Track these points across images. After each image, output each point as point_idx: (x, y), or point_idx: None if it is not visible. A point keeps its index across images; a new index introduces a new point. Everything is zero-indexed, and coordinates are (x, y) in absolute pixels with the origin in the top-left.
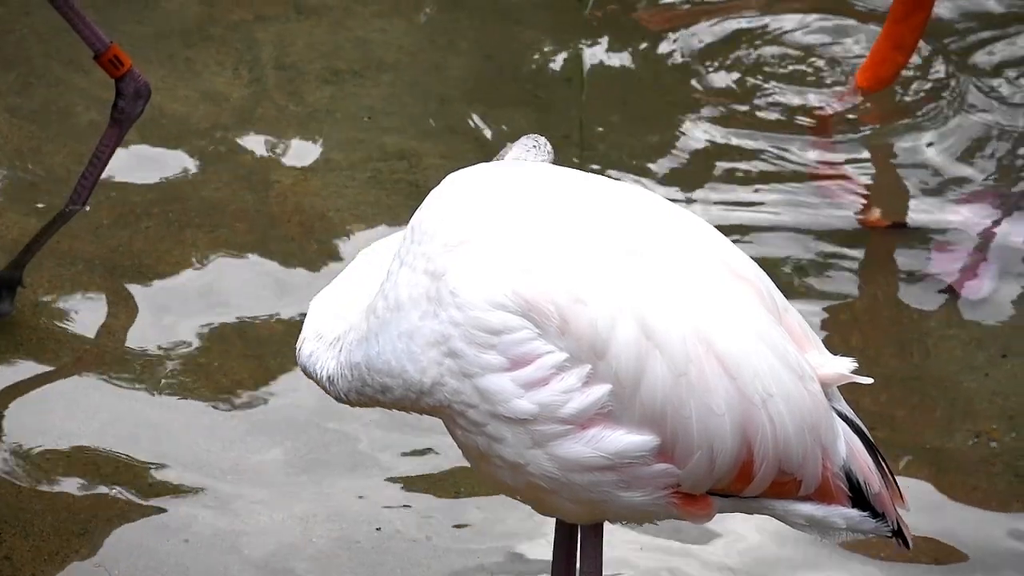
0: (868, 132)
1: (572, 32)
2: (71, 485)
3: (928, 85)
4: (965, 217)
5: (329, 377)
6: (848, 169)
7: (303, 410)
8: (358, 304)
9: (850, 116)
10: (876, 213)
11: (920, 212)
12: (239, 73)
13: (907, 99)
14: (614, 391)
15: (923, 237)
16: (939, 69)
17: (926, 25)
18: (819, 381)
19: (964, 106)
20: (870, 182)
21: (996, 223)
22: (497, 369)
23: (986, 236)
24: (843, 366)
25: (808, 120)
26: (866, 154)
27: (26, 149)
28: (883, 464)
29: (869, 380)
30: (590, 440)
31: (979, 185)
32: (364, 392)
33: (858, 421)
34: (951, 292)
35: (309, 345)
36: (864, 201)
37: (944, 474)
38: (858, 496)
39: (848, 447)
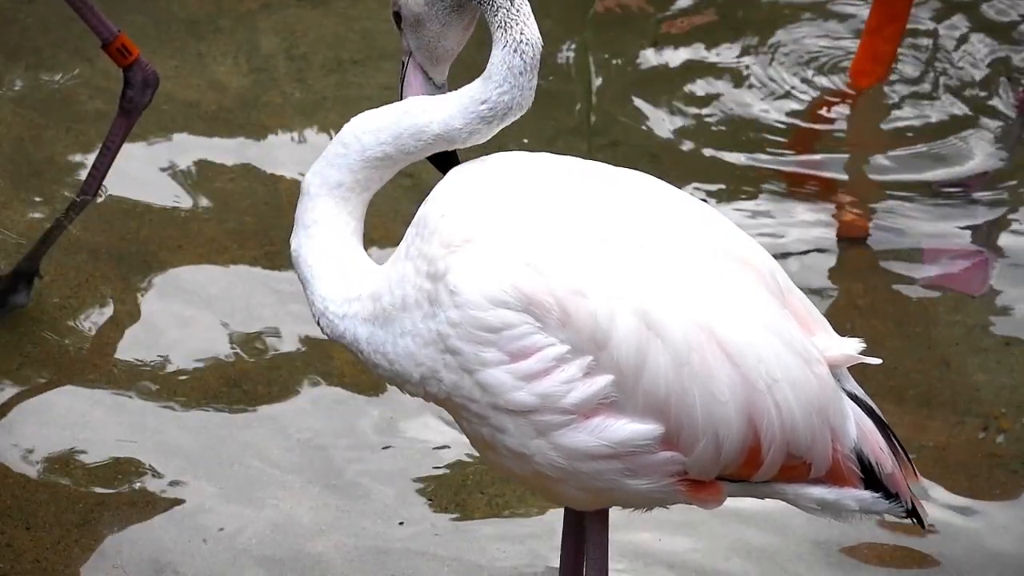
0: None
1: (579, 22)
2: (74, 475)
3: (909, 94)
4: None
5: (332, 332)
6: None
7: (311, 403)
8: (362, 258)
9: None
10: (851, 218)
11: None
12: (245, 62)
13: (890, 105)
14: (616, 381)
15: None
16: (918, 80)
17: (902, 35)
18: (827, 363)
19: (945, 114)
20: (848, 189)
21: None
22: (496, 364)
23: (976, 230)
24: (851, 347)
25: (814, 117)
26: (846, 159)
27: (31, 138)
28: (895, 443)
29: (877, 360)
30: (594, 429)
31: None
32: (357, 357)
33: (869, 401)
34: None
35: (312, 276)
36: (841, 209)
37: (951, 464)
38: (870, 477)
39: (859, 428)
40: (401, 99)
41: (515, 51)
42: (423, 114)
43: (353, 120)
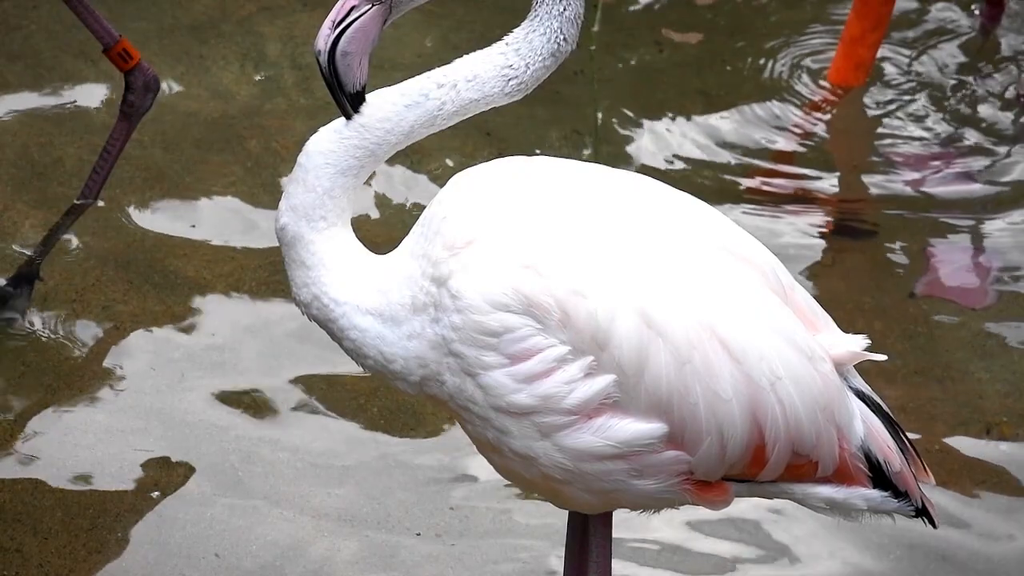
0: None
1: (585, 26)
2: (81, 479)
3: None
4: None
5: (322, 315)
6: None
7: (316, 407)
8: (359, 245)
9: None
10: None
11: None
12: (247, 67)
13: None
14: (618, 381)
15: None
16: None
17: (881, 42)
18: (832, 361)
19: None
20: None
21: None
22: (496, 367)
23: (978, 241)
24: (855, 344)
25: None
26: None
27: (35, 143)
28: (904, 441)
29: (882, 357)
30: (598, 429)
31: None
32: (342, 343)
33: (876, 398)
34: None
35: (317, 264)
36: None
37: (954, 469)
38: (879, 476)
39: (866, 426)
40: (336, 46)
41: (574, 18)
42: (429, 101)
43: (355, 119)
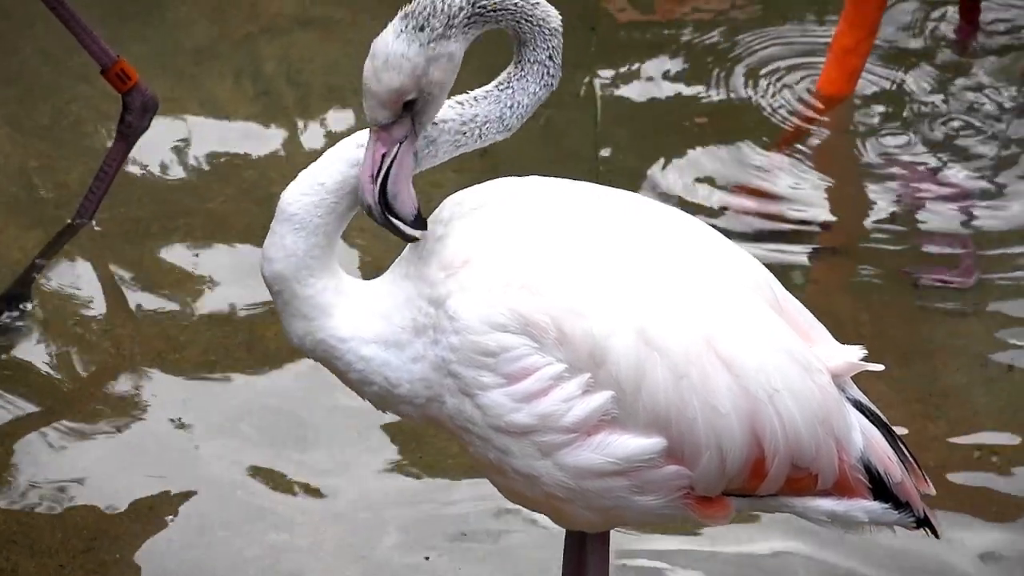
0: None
1: (583, 50)
2: (76, 501)
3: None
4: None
5: (327, 354)
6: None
7: (312, 422)
8: (347, 277)
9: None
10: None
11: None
12: (244, 87)
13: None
14: (616, 397)
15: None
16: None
17: (871, 50)
18: (829, 372)
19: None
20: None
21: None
22: (494, 387)
23: (959, 224)
24: (852, 355)
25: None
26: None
27: (31, 165)
28: (904, 451)
29: (879, 367)
30: (597, 446)
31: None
32: (347, 376)
33: (875, 408)
34: (944, 284)
35: (320, 315)
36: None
37: (949, 486)
38: (879, 487)
39: (865, 438)
40: (385, 195)
41: (547, 85)
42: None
43: (314, 180)
